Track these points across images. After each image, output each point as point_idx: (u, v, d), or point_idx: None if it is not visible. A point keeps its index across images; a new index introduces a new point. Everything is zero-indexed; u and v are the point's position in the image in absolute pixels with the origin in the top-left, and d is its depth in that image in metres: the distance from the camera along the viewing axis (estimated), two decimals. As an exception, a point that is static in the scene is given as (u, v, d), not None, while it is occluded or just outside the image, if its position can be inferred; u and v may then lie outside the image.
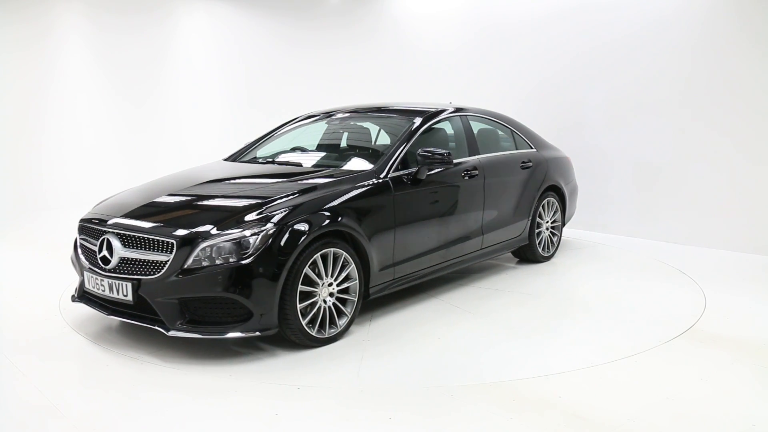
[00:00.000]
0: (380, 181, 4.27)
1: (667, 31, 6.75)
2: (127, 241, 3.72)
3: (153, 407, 3.09)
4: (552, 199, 5.90)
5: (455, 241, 4.83)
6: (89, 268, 3.87)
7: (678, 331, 4.11)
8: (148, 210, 3.93)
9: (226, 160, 5.27)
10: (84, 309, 4.35)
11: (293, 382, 3.36)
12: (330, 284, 3.84)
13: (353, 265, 3.94)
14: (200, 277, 3.47)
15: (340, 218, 3.89)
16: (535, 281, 5.29)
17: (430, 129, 4.94)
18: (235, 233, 3.53)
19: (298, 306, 3.63)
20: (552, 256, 6.00)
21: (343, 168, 4.47)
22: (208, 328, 3.54)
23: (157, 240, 3.61)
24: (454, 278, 5.29)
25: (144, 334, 3.98)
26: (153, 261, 3.59)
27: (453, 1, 8.96)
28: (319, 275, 3.76)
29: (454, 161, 4.87)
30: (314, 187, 4.03)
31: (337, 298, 3.92)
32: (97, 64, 9.29)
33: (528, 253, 5.79)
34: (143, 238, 3.67)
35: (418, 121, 4.86)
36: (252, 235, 3.54)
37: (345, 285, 3.94)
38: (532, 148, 5.84)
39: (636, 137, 7.07)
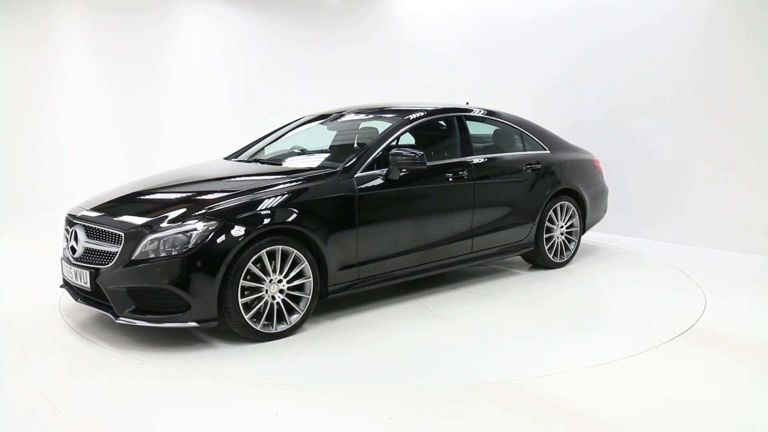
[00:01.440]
0: (342, 180, 4.25)
1: (668, 31, 6.75)
2: (90, 233, 4.00)
3: (153, 407, 3.09)
4: (567, 204, 5.65)
5: (437, 244, 4.73)
6: (65, 257, 4.16)
7: (678, 331, 4.11)
8: (115, 204, 4.16)
9: (226, 159, 5.30)
10: (83, 309, 4.37)
11: (207, 371, 3.47)
12: (279, 281, 3.89)
13: (306, 263, 3.97)
14: (143, 269, 3.66)
15: (289, 216, 3.93)
16: (532, 287, 5.11)
17: (415, 129, 4.91)
18: (177, 228, 3.71)
19: (240, 301, 3.74)
20: (567, 262, 5.74)
21: (315, 167, 4.45)
22: (152, 316, 3.72)
23: (110, 232, 3.87)
24: (447, 281, 5.22)
25: (143, 334, 3.99)
26: (107, 251, 3.85)
27: (453, 1, 8.96)
28: (265, 272, 3.82)
29: (443, 162, 4.83)
30: (270, 186, 4.07)
31: (292, 296, 3.97)
32: (97, 64, 9.29)
33: (537, 259, 5.57)
34: (101, 230, 3.94)
35: (399, 121, 4.81)
36: (193, 230, 3.69)
37: (299, 282, 3.98)
38: (545, 149, 5.63)
39: (636, 137, 7.07)
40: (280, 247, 3.88)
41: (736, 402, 3.16)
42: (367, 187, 4.32)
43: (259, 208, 3.87)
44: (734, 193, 6.38)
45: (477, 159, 5.07)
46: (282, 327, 3.94)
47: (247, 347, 3.82)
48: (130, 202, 4.18)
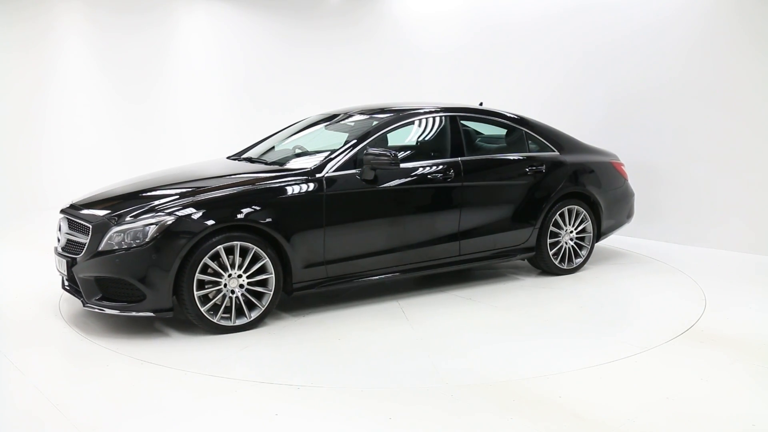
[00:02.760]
0: (310, 180, 4.28)
1: (667, 32, 6.75)
2: (70, 225, 4.27)
3: (153, 407, 3.09)
4: (577, 208, 5.37)
5: (417, 245, 4.65)
6: (55, 248, 4.39)
7: (678, 331, 4.11)
8: (98, 198, 4.37)
9: (229, 158, 5.32)
10: (83, 309, 4.38)
11: (148, 358, 3.63)
12: (239, 276, 3.98)
13: (267, 259, 4.03)
14: (104, 259, 3.89)
15: (248, 214, 4.01)
16: (525, 293, 4.94)
17: (404, 129, 4.89)
18: (138, 222, 3.91)
19: (196, 293, 3.88)
20: (577, 268, 5.46)
21: (294, 167, 4.46)
22: (114, 304, 3.93)
23: (82, 224, 4.12)
24: (438, 284, 5.10)
25: (144, 333, 4.00)
26: (81, 242, 4.09)
27: (453, 1, 8.95)
28: (223, 267, 3.94)
29: (425, 162, 4.76)
30: (236, 185, 4.18)
31: (256, 291, 4.05)
32: (97, 64, 9.29)
33: (541, 264, 5.33)
34: (77, 222, 4.19)
35: (382, 121, 4.78)
36: (150, 224, 3.87)
37: (262, 277, 4.06)
38: (553, 151, 5.40)
39: (636, 137, 7.06)
40: (239, 243, 3.96)
41: (736, 402, 3.16)
42: (337, 186, 4.34)
43: (217, 206, 4.00)
44: (734, 193, 6.38)
45: (467, 159, 4.91)
46: (241, 321, 4.03)
47: (203, 338, 3.94)
48: (112, 197, 4.34)
